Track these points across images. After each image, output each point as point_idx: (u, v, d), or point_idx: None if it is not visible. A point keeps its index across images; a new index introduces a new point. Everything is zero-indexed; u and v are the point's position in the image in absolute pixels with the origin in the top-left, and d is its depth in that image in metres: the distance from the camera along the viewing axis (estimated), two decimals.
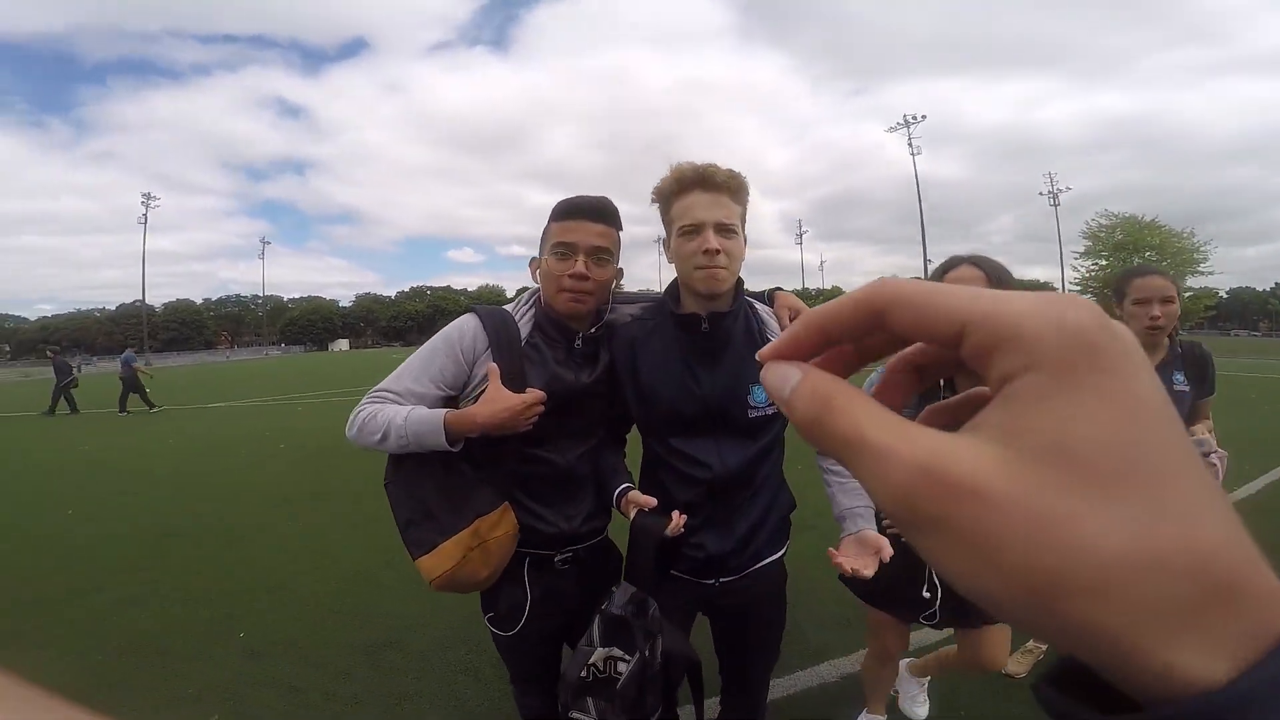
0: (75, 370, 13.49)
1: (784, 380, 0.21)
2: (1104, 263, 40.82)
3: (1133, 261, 39.16)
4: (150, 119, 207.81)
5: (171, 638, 2.82)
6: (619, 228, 1.34)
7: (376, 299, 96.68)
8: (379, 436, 1.23)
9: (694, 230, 1.20)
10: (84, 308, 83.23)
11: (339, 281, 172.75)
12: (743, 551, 1.31)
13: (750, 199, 1.28)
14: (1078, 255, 42.72)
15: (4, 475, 6.54)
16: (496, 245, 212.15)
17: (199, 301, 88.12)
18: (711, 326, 1.25)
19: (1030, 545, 0.15)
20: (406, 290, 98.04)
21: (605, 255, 1.29)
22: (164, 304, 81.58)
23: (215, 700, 2.34)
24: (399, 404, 1.27)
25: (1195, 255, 38.03)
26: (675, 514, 1.20)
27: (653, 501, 1.21)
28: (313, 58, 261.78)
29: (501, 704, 2.36)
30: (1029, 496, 0.16)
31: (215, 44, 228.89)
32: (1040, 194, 49.45)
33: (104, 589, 3.38)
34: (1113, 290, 2.05)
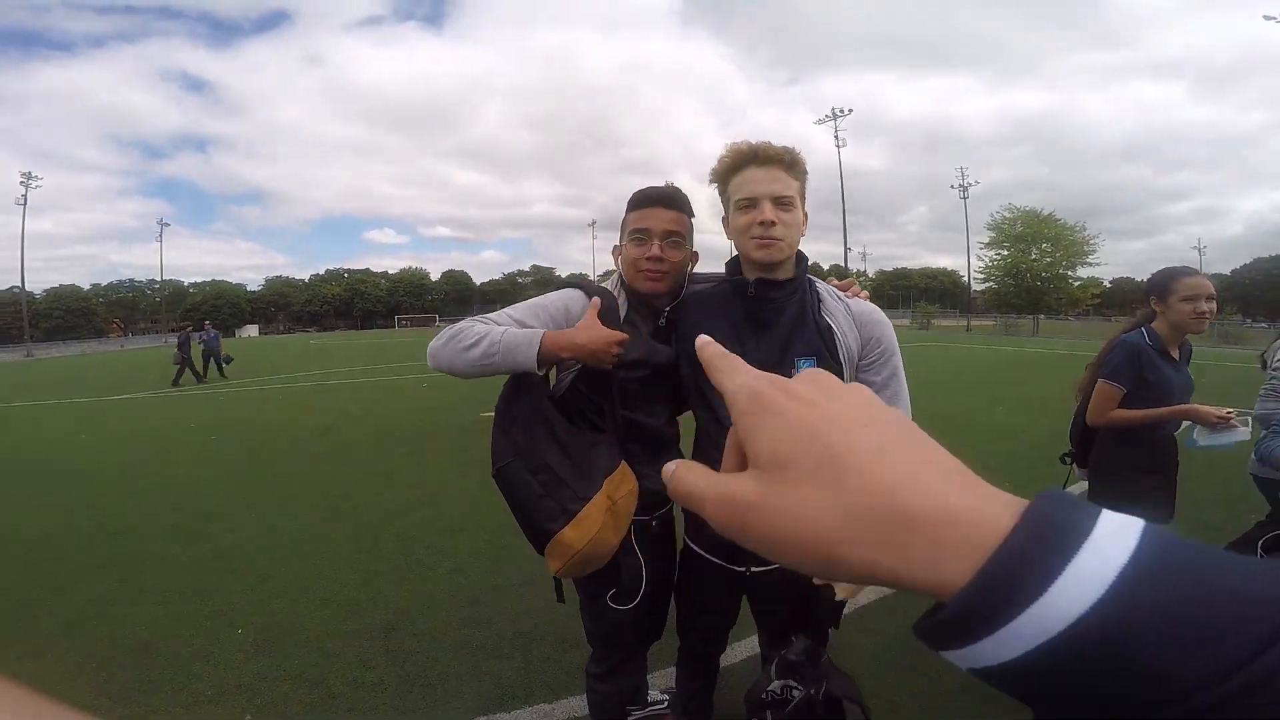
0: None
1: (667, 472, 0.29)
2: (1005, 253, 43.59)
3: (1030, 253, 42.48)
4: (32, 92, 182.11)
5: (165, 638, 2.68)
6: (690, 214, 1.43)
7: (289, 282, 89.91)
8: (468, 344, 1.25)
9: (750, 204, 1.26)
10: None
11: (248, 264, 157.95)
12: None
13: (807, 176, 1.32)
14: (983, 245, 45.79)
15: None
16: (420, 226, 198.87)
17: (86, 287, 78.55)
18: (758, 292, 1.29)
19: (780, 529, 0.24)
20: (322, 273, 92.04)
21: (678, 238, 1.38)
22: (45, 290, 72.45)
23: (238, 699, 2.27)
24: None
25: (1085, 248, 41.21)
26: None
27: None
28: (224, 30, 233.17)
29: (536, 677, 2.36)
30: (772, 497, 0.24)
31: (115, 14, 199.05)
32: (951, 186, 52.58)
33: (68, 590, 3.14)
34: (1151, 289, 2.20)
